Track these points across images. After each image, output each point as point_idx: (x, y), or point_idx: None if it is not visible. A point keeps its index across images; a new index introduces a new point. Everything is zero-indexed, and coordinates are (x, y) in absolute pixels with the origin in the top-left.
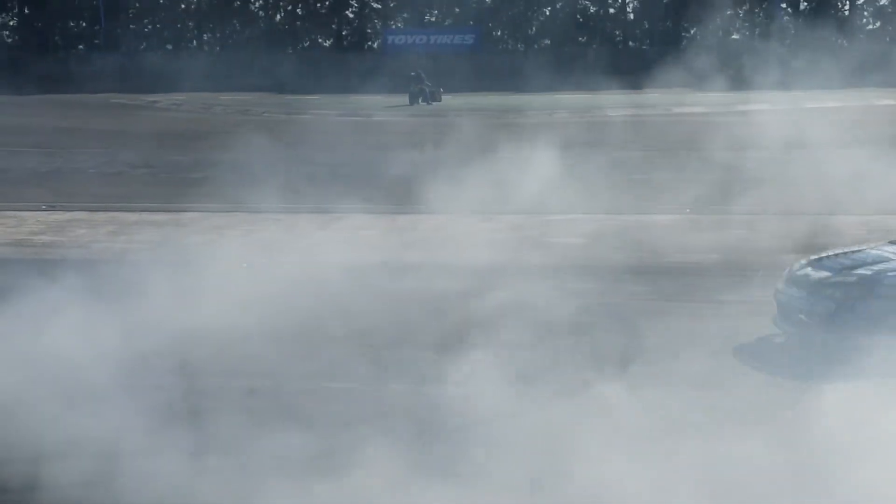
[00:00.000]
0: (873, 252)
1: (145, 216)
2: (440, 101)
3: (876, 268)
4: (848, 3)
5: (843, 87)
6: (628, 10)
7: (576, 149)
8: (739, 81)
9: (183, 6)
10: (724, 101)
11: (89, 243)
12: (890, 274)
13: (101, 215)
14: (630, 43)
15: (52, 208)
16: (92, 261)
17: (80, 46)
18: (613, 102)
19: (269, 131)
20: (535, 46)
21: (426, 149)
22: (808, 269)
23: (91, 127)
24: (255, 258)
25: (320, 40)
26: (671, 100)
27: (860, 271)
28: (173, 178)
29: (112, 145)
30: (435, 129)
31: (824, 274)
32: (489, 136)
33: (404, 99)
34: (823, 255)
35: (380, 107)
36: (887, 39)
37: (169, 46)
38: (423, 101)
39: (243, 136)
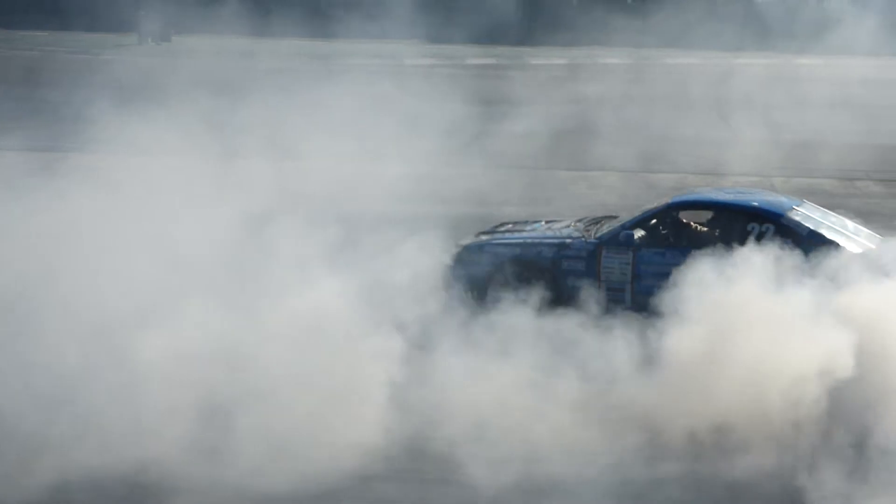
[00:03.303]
0: (533, 227)
1: None
2: (170, 41)
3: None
4: None
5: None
6: None
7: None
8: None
9: None
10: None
11: None
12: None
13: None
14: None
15: None
16: None
17: None
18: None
19: None
20: None
21: None
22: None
23: None
24: None
25: None
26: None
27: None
28: None
29: None
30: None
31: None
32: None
33: (134, 38)
34: (493, 228)
35: (109, 45)
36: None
37: None
38: (152, 40)
39: None
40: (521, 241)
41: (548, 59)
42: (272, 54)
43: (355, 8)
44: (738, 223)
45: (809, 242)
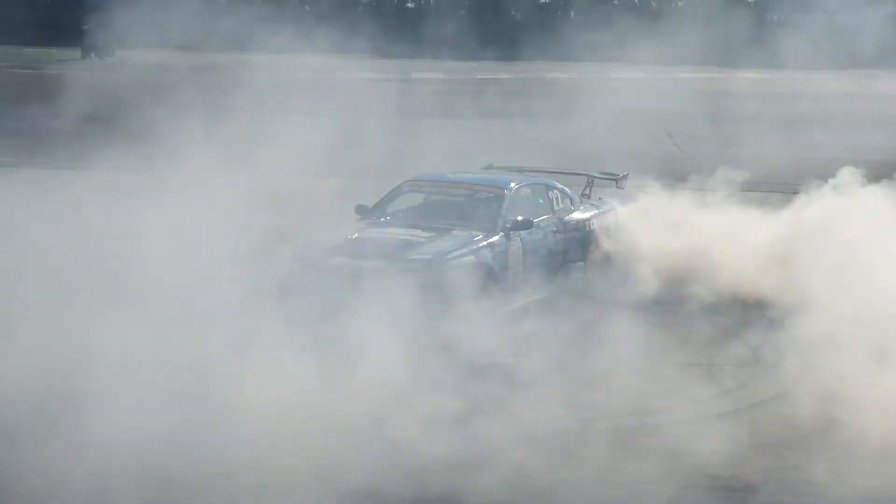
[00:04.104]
0: (399, 236)
1: None
2: (113, 56)
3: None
4: None
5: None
6: None
7: None
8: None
9: None
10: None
11: None
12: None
13: None
14: None
15: None
16: None
17: None
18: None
19: None
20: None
21: None
22: (349, 261)
23: None
24: None
25: None
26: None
27: (419, 256)
28: None
29: None
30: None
31: (376, 262)
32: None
33: (77, 53)
34: (338, 242)
35: (52, 60)
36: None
37: None
38: (95, 55)
39: None
40: (467, 249)
41: (494, 73)
42: (212, 68)
43: (306, 21)
44: (546, 195)
45: (581, 203)
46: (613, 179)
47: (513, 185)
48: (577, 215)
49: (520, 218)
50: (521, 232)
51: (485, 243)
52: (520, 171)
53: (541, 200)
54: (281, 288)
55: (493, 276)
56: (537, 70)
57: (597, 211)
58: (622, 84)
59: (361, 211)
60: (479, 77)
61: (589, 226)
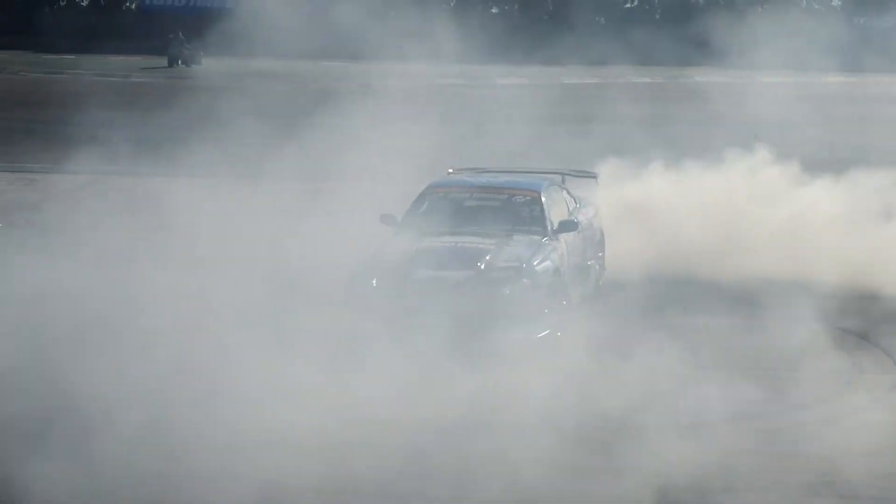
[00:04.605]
0: (466, 245)
1: None
2: (200, 64)
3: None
4: None
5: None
6: None
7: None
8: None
9: None
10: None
11: None
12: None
13: None
14: None
15: None
16: None
17: None
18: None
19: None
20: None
21: None
22: (436, 273)
23: None
24: None
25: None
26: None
27: (507, 263)
28: None
29: None
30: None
31: (466, 273)
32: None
33: (163, 61)
34: (406, 255)
35: (137, 68)
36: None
37: None
38: (182, 63)
39: None
40: (543, 254)
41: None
42: (296, 77)
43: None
44: (560, 195)
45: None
46: (589, 177)
47: (544, 187)
48: (584, 213)
49: (565, 220)
50: (564, 233)
51: (550, 247)
52: (485, 172)
53: (559, 201)
54: (365, 303)
55: (561, 278)
56: (618, 75)
57: (595, 208)
58: (751, 88)
59: (388, 220)
60: (500, 82)
61: (594, 223)
